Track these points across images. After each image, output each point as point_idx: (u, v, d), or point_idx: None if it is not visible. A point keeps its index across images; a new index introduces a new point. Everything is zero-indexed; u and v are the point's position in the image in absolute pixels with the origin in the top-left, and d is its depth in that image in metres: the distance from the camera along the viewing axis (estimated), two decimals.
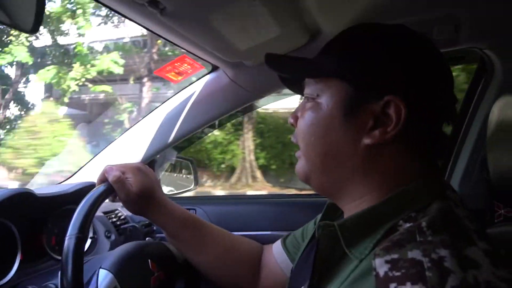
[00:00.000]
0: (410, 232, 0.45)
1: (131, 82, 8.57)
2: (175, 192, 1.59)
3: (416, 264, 0.41)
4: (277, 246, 0.84)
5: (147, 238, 1.20)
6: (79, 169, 1.34)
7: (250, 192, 7.25)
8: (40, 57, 8.62)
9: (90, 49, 8.38)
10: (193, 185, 1.57)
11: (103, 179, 0.73)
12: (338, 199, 0.59)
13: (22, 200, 0.88)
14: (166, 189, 1.54)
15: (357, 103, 0.53)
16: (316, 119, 0.56)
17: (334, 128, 0.54)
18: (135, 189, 0.72)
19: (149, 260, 0.78)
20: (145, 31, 7.27)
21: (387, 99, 0.51)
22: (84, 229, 0.63)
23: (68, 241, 0.61)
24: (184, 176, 1.62)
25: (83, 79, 7.86)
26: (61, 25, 8.20)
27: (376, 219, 0.50)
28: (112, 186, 0.71)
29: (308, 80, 0.59)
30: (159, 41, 7.87)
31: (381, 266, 0.43)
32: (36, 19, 0.56)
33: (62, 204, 1.00)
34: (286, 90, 1.31)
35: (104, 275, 0.68)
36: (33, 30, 0.57)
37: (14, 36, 7.69)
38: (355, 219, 0.52)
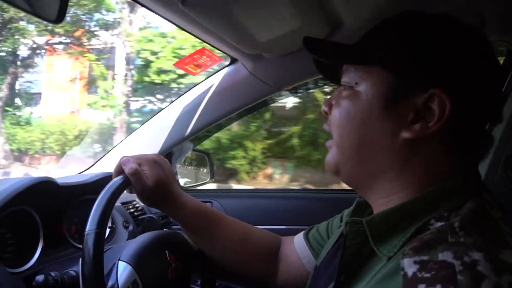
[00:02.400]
0: (442, 232, 0.43)
1: None
2: (191, 185, 1.60)
3: (447, 267, 0.39)
4: (299, 239, 0.82)
5: (164, 229, 1.21)
6: (99, 159, 1.36)
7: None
8: None
9: None
10: (209, 178, 1.58)
11: (120, 171, 0.72)
12: (368, 194, 0.57)
13: (45, 188, 0.89)
14: (182, 182, 1.56)
15: (399, 94, 0.50)
16: (353, 108, 0.53)
17: (372, 119, 0.51)
18: (150, 182, 0.72)
19: (166, 252, 0.78)
20: None
21: (431, 92, 0.48)
22: (103, 224, 0.62)
23: (87, 237, 0.61)
24: (200, 169, 1.63)
25: None
26: None
27: (407, 216, 0.48)
28: (128, 179, 0.70)
29: (347, 67, 0.56)
30: None
31: (409, 266, 0.41)
32: (61, 8, 0.56)
33: (82, 193, 1.02)
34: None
35: (123, 268, 0.68)
36: (58, 20, 0.58)
37: None
38: (384, 215, 0.50)
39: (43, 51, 8.88)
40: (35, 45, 8.54)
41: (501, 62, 1.18)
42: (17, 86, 9.00)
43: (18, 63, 8.68)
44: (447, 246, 0.41)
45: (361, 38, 0.57)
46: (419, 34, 0.51)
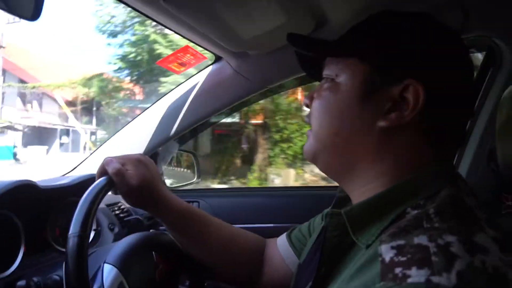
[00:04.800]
0: (417, 219, 0.45)
1: None
2: (178, 185, 1.58)
3: (422, 249, 0.40)
4: (282, 240, 0.82)
5: (150, 231, 1.19)
6: (82, 161, 1.33)
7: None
8: None
9: None
10: (195, 178, 1.56)
11: (103, 172, 0.70)
12: (345, 182, 0.58)
13: (25, 191, 0.87)
14: (168, 182, 1.54)
15: (376, 85, 0.52)
16: (332, 98, 0.56)
17: (350, 109, 0.54)
18: (135, 182, 0.70)
19: (153, 253, 0.77)
20: None
21: (406, 83, 0.50)
22: (86, 227, 0.60)
23: (71, 241, 0.59)
24: (186, 169, 1.61)
25: None
26: None
27: (384, 206, 0.50)
28: (112, 179, 0.68)
29: (329, 61, 0.59)
30: None
31: (387, 252, 0.43)
32: (36, 5, 0.54)
33: (65, 196, 1.00)
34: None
35: (108, 270, 0.66)
36: (34, 17, 0.56)
37: None
38: (362, 206, 0.51)
39: None
40: None
41: (483, 57, 1.21)
42: None
43: None
44: (423, 230, 0.43)
45: (342, 34, 0.59)
46: (393, 29, 0.54)
